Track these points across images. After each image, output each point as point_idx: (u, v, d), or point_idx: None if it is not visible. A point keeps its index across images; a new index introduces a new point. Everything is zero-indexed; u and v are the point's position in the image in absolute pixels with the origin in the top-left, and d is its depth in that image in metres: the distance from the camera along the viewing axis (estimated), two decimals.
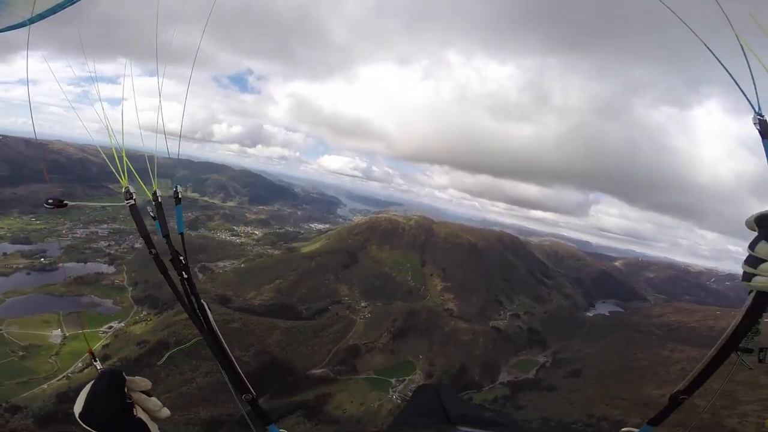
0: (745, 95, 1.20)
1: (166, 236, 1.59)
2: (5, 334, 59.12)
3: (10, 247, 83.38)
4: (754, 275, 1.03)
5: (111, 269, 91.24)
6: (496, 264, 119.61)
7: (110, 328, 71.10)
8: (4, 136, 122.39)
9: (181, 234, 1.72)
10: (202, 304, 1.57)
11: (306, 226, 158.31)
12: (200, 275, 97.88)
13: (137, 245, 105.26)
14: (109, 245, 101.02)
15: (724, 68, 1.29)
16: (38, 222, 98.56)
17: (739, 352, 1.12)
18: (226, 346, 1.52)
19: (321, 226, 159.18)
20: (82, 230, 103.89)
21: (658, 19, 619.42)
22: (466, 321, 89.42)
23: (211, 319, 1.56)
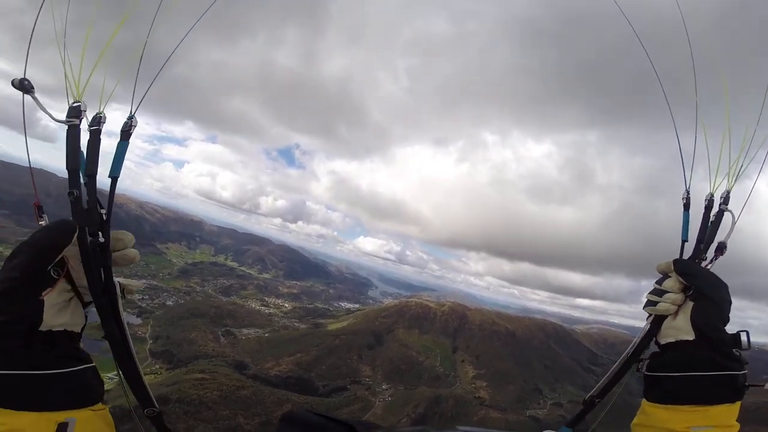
0: (684, 172, 1.45)
1: (91, 175, 1.11)
2: None
3: None
4: (657, 303, 1.33)
5: (138, 321, 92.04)
6: (537, 352, 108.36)
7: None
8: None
9: (114, 179, 1.17)
10: (114, 284, 1.15)
11: (336, 305, 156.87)
12: (222, 339, 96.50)
13: (169, 303, 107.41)
14: (143, 299, 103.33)
15: (678, 141, 1.47)
16: None
17: (635, 364, 1.43)
18: (132, 344, 1.21)
19: (351, 306, 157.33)
20: None
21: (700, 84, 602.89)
22: (500, 410, 78.35)
23: (121, 306, 1.17)
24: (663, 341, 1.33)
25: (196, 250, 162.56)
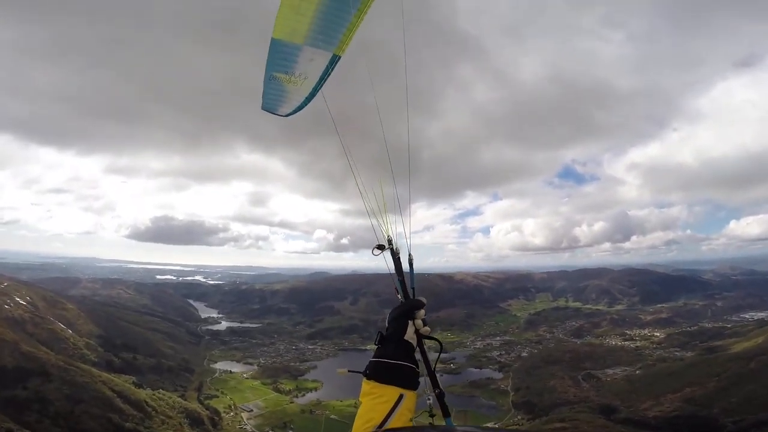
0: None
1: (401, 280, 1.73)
2: None
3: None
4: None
5: (499, 375, 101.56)
6: None
7: None
8: (428, 274, 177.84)
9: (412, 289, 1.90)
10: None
11: (734, 318, 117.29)
12: (584, 383, 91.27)
13: (523, 354, 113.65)
14: (500, 354, 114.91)
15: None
16: (452, 336, 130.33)
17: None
18: None
19: (761, 315, 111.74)
20: (480, 342, 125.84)
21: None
22: None
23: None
24: None
25: (534, 301, 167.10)
